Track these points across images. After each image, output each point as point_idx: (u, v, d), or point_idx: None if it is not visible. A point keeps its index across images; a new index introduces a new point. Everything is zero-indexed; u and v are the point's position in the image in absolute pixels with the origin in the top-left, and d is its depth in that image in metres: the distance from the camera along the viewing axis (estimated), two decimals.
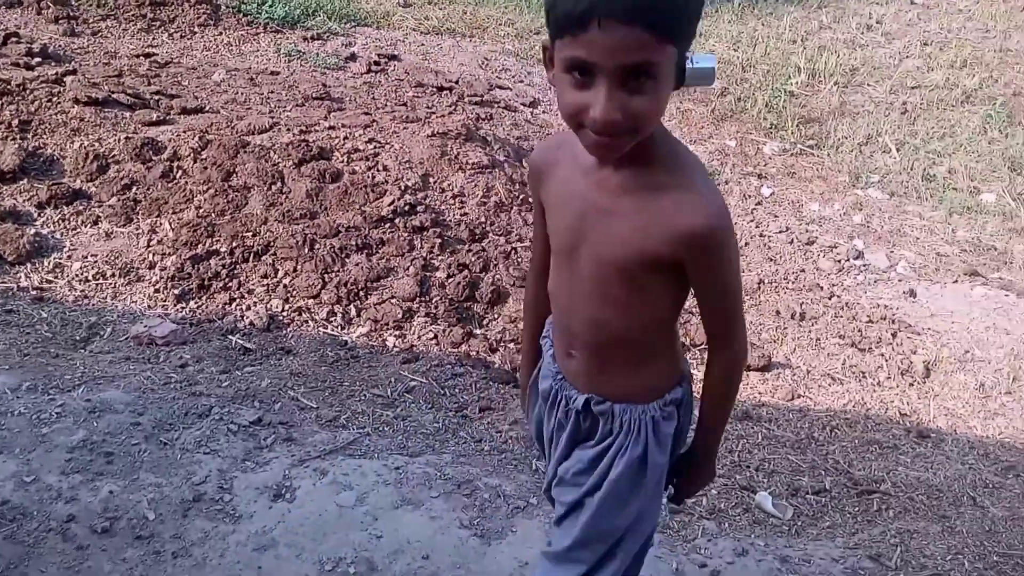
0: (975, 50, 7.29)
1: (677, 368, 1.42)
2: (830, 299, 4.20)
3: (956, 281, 4.51)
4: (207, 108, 4.67)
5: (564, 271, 1.36)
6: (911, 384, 3.49)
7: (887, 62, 7.05)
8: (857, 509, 2.40)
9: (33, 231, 3.54)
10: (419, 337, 3.30)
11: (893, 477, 2.57)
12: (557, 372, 1.45)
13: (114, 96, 4.43)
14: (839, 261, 4.65)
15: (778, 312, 4.02)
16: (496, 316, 3.54)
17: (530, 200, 4.24)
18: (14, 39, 5.10)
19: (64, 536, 2.01)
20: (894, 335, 3.83)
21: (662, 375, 1.40)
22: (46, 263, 3.43)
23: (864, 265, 4.67)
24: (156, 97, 4.65)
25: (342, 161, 4.02)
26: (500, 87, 6.19)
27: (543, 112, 5.88)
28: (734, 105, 6.32)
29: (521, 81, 6.47)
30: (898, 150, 5.80)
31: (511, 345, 3.38)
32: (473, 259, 3.69)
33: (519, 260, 3.79)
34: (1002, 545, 2.13)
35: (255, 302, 3.37)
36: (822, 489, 2.49)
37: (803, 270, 4.55)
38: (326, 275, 3.46)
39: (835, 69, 6.75)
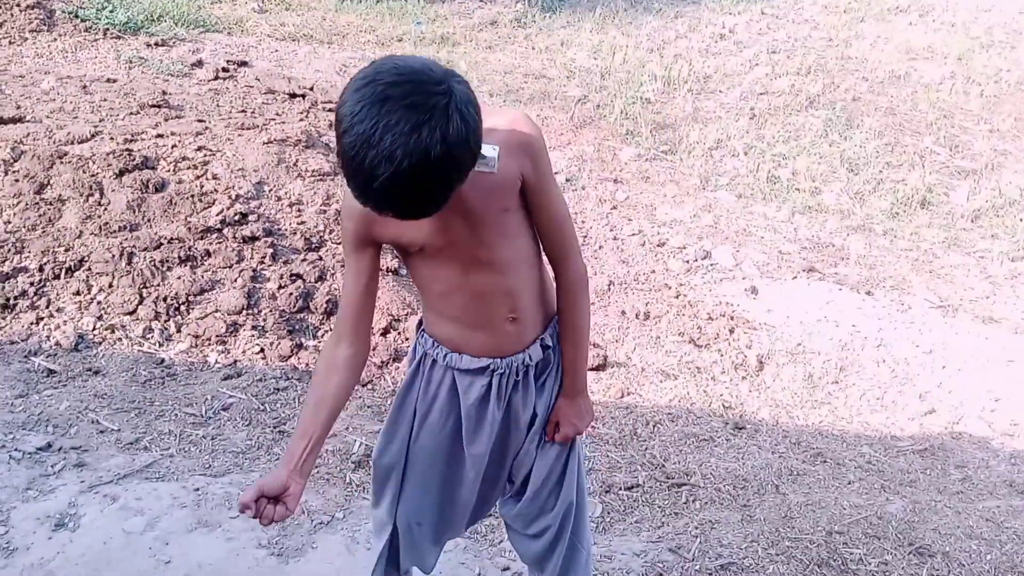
0: (819, 58, 7.69)
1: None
2: (676, 298, 4.29)
3: (795, 277, 4.69)
4: (28, 117, 4.37)
5: (463, 270, 1.42)
6: (744, 378, 3.59)
7: (738, 69, 7.34)
8: (666, 502, 2.43)
9: None
10: (244, 352, 3.15)
11: (704, 469, 2.61)
12: (493, 360, 1.52)
13: None
14: (688, 261, 4.77)
15: (623, 312, 4.07)
16: (331, 327, 3.43)
17: None
18: None
19: None
20: (731, 331, 3.94)
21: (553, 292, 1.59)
22: None
23: (711, 264, 4.80)
24: None
25: (168, 170, 3.82)
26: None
27: None
28: (593, 112, 6.43)
29: None
30: (746, 153, 6.02)
31: None
32: (308, 268, 3.57)
33: None
34: (795, 530, 2.19)
35: (64, 321, 3.14)
36: (635, 484, 2.51)
37: (653, 271, 4.64)
38: (144, 290, 3.27)
39: (689, 77, 6.97)
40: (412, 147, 1.08)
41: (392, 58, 1.15)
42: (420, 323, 1.64)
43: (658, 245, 4.89)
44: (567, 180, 5.52)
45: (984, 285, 4.76)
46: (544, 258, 1.55)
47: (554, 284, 1.58)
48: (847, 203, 5.59)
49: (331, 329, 3.42)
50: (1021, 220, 5.47)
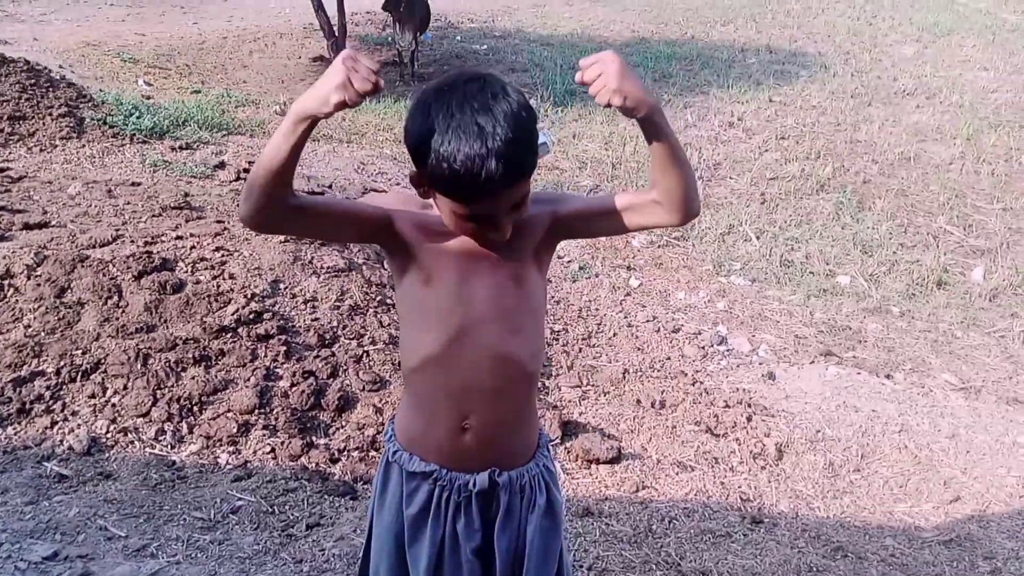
0: (828, 142, 7.80)
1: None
2: (692, 385, 4.25)
3: (812, 362, 4.64)
4: (53, 222, 4.52)
5: (455, 345, 1.41)
6: (763, 467, 3.51)
7: (748, 156, 7.46)
8: None
9: None
10: (254, 452, 3.15)
11: (721, 567, 2.53)
12: (437, 472, 1.44)
13: None
14: (703, 347, 4.74)
15: (638, 401, 4.03)
16: (343, 424, 3.43)
17: (387, 302, 4.20)
18: None
19: None
20: (749, 419, 3.88)
21: (536, 425, 1.55)
22: None
23: (728, 350, 4.77)
24: None
25: (186, 271, 3.91)
26: (375, 190, 6.24)
27: None
28: None
29: (397, 183, 6.54)
30: (758, 238, 6.06)
31: (355, 454, 3.26)
32: (321, 365, 3.59)
33: (370, 363, 3.71)
34: None
35: (78, 424, 3.17)
36: None
37: (669, 357, 4.61)
38: (158, 391, 3.30)
39: (699, 164, 7.08)
40: (500, 108, 1.26)
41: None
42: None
43: (673, 331, 4.88)
44: (580, 268, 5.56)
45: (1006, 365, 4.67)
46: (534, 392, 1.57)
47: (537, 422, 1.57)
48: (862, 285, 5.57)
49: (342, 426, 3.42)
50: None
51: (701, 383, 4.30)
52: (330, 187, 5.95)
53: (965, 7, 14.18)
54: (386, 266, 4.64)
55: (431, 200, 1.42)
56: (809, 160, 7.38)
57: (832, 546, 2.75)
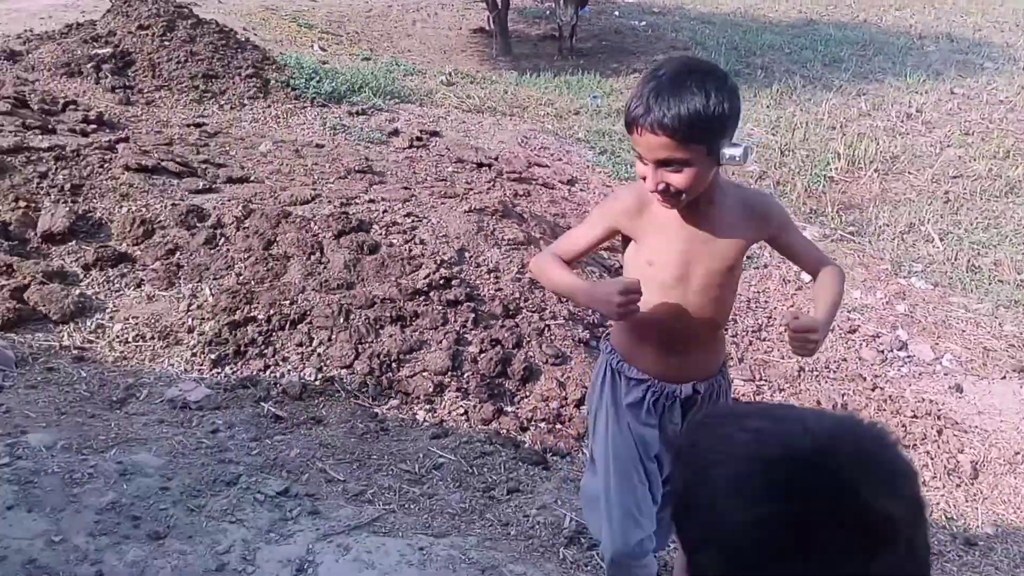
0: (1018, 141, 7.25)
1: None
2: (873, 391, 4.09)
3: (1004, 377, 4.37)
4: (252, 178, 4.80)
5: (673, 291, 1.79)
6: (958, 485, 3.35)
7: (928, 151, 7.04)
8: None
9: (78, 292, 3.62)
10: (449, 412, 3.26)
11: None
12: (651, 380, 1.86)
13: (163, 164, 4.58)
14: (882, 351, 4.55)
15: (819, 403, 3.92)
16: (528, 394, 3.50)
17: None
18: (72, 106, 5.33)
19: None
20: (939, 432, 3.70)
21: (722, 350, 1.98)
22: (88, 323, 3.49)
23: (908, 357, 4.55)
24: (204, 166, 4.80)
25: (380, 233, 4.07)
26: (538, 164, 6.28)
27: (580, 190, 5.93)
28: (773, 189, 6.33)
29: (560, 159, 6.56)
30: (941, 239, 5.73)
31: (542, 425, 3.32)
32: (506, 335, 3.67)
33: (552, 338, 3.77)
34: None
35: (289, 369, 3.37)
36: None
37: (845, 359, 4.45)
38: (360, 345, 3.46)
39: (875, 156, 6.75)
40: (691, 79, 1.54)
41: None
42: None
43: (849, 332, 4.70)
44: (747, 258, 5.43)
45: None
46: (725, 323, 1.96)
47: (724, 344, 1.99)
48: None
49: (527, 396, 3.49)
50: None
51: (883, 389, 4.13)
52: (496, 159, 6.03)
53: None
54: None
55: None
56: (997, 159, 6.89)
57: None
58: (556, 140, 6.94)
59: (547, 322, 3.86)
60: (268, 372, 3.36)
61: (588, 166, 6.42)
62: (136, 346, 3.41)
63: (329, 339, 3.50)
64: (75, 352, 3.31)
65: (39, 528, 2.20)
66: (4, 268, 3.59)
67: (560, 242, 1.96)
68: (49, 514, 2.26)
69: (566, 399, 3.47)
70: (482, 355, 3.54)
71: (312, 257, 3.89)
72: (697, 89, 1.53)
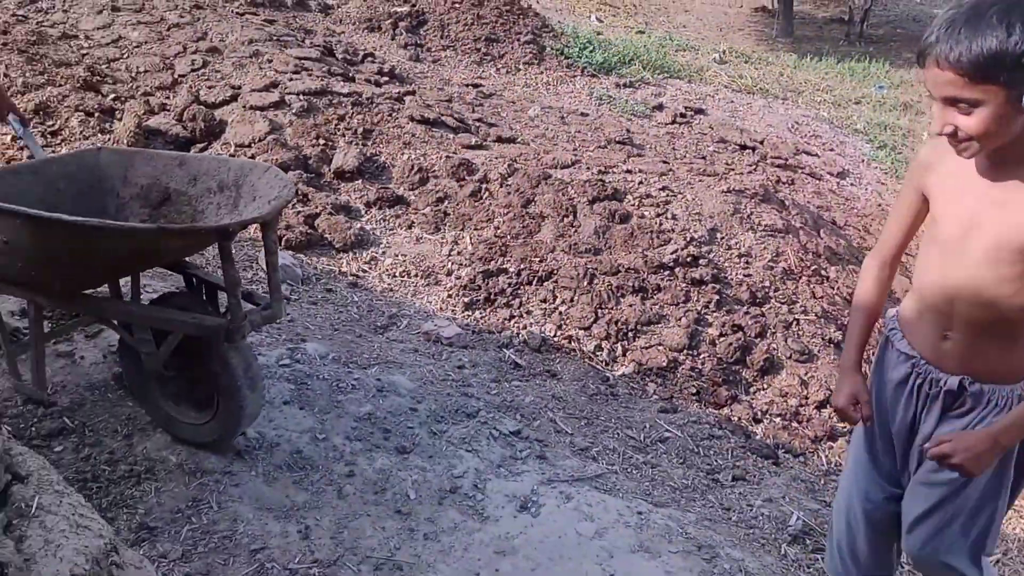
0: None
1: None
2: None
3: None
4: (519, 139, 5.03)
5: (951, 255, 1.57)
6: None
7: None
8: None
9: (359, 225, 4.04)
10: (680, 389, 3.25)
11: None
12: (918, 359, 1.67)
13: (443, 118, 4.93)
14: None
15: None
16: (765, 386, 3.39)
17: (822, 272, 4.02)
18: (370, 59, 5.89)
19: (340, 493, 2.25)
20: None
21: None
22: (364, 255, 3.89)
23: None
24: (477, 124, 5.10)
25: (633, 204, 4.10)
26: (807, 153, 5.96)
27: (851, 184, 5.55)
28: None
29: (831, 150, 6.18)
30: None
31: (776, 420, 3.21)
32: (750, 322, 3.57)
33: (800, 333, 3.60)
34: None
35: (531, 323, 3.54)
36: None
37: None
38: (599, 310, 3.54)
39: None
40: (990, 13, 1.35)
41: None
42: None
43: None
44: None
45: None
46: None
47: None
48: None
49: (764, 388, 3.38)
50: None
51: None
52: (761, 143, 5.80)
53: None
54: (822, 235, 4.43)
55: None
56: None
57: None
58: (830, 129, 6.53)
59: (797, 316, 3.70)
60: (512, 322, 3.55)
61: (863, 160, 5.98)
62: (402, 280, 3.75)
63: (572, 300, 3.61)
64: (351, 278, 3.71)
65: (307, 424, 2.52)
66: (301, 197, 4.09)
67: (882, 232, 1.80)
68: (316, 414, 2.58)
69: (807, 399, 3.31)
70: (721, 339, 3.48)
71: (565, 220, 4.02)
72: (998, 21, 1.34)
